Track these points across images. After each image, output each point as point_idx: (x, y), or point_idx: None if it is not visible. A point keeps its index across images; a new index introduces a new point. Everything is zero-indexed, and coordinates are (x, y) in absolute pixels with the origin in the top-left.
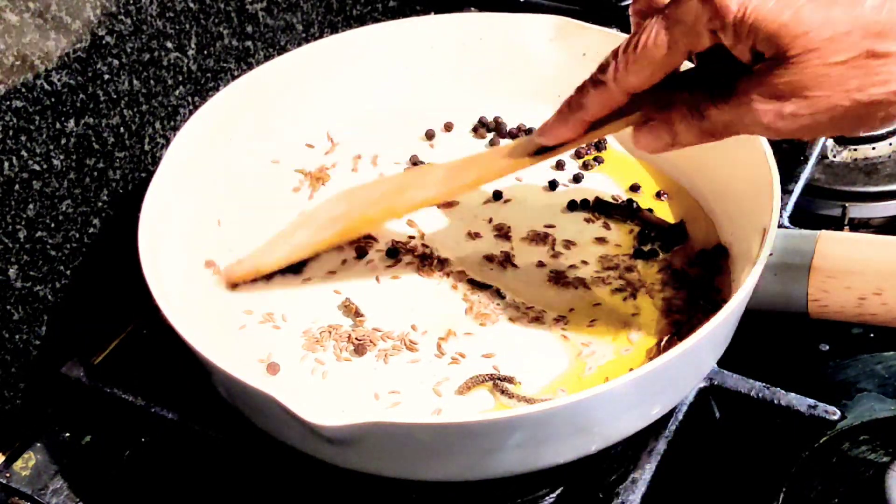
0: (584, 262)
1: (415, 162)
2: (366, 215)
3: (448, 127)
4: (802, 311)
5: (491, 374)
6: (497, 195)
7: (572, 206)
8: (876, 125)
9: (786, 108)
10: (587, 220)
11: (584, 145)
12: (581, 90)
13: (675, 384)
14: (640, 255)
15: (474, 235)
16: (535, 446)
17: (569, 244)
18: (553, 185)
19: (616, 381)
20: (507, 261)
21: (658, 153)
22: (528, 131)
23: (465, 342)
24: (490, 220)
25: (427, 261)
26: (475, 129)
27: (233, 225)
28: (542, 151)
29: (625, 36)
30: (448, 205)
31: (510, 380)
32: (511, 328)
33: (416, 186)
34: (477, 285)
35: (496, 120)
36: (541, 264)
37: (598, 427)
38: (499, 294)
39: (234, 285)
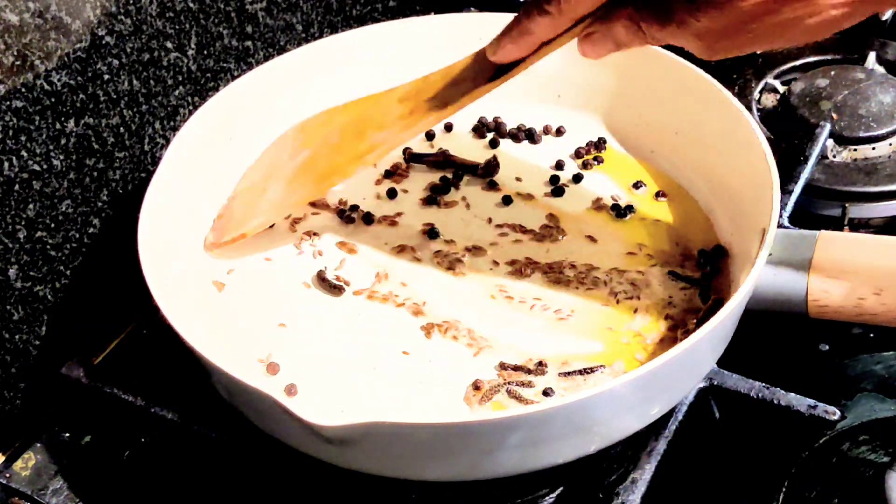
0: (585, 263)
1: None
2: (334, 165)
3: (448, 127)
4: (802, 311)
5: (506, 381)
6: (507, 199)
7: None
8: (797, 37)
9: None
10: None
11: (583, 145)
12: (528, 14)
13: (674, 384)
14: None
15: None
16: (535, 446)
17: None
18: (555, 183)
19: (615, 381)
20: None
21: (601, 58)
22: (529, 131)
23: (465, 338)
24: (490, 220)
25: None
26: (475, 130)
27: None
28: (498, 74)
29: None
30: (448, 204)
31: (527, 384)
32: (509, 326)
33: (376, 125)
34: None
35: (496, 120)
36: (539, 263)
37: (598, 427)
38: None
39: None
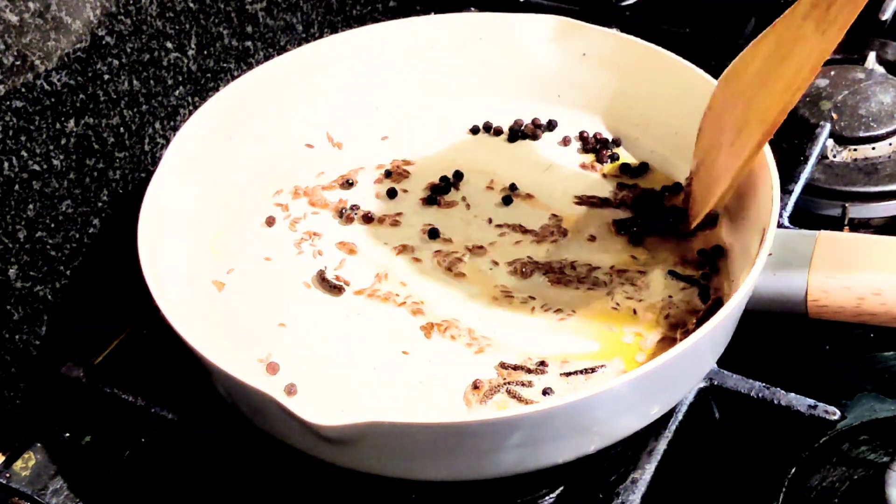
0: (585, 263)
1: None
2: (770, 119)
3: (448, 127)
4: (802, 312)
5: (506, 380)
6: (507, 199)
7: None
8: None
9: None
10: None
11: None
12: None
13: (674, 384)
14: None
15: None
16: (535, 446)
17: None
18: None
19: (615, 381)
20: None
21: None
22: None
23: (465, 337)
24: (490, 220)
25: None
26: (474, 131)
27: (233, 224)
28: None
29: (625, 36)
30: (448, 204)
31: (527, 383)
32: (509, 326)
33: (787, 56)
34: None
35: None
36: (539, 263)
37: (598, 427)
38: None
39: None
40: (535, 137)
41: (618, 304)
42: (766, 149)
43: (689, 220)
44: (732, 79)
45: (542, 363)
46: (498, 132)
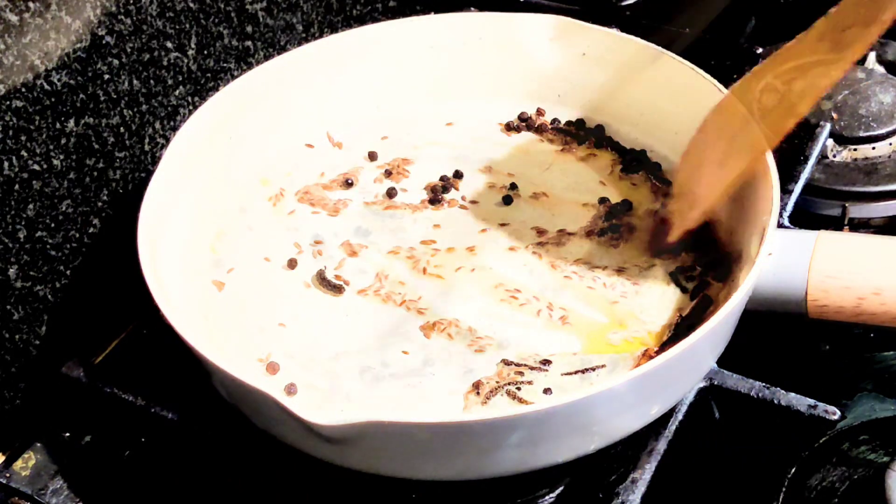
0: (586, 262)
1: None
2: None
3: (449, 127)
4: (801, 312)
5: (506, 380)
6: (507, 199)
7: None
8: None
9: None
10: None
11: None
12: None
13: (674, 384)
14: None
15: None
16: (534, 446)
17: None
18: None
19: (614, 380)
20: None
21: None
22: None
23: (465, 337)
24: (490, 220)
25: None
26: (475, 131)
27: (233, 224)
28: None
29: (625, 36)
30: (448, 203)
31: (527, 383)
32: (509, 326)
33: (795, 75)
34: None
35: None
36: (540, 262)
37: (597, 427)
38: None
39: None
40: (540, 130)
41: (618, 304)
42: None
43: (665, 239)
44: (731, 103)
45: (542, 363)
46: (499, 131)
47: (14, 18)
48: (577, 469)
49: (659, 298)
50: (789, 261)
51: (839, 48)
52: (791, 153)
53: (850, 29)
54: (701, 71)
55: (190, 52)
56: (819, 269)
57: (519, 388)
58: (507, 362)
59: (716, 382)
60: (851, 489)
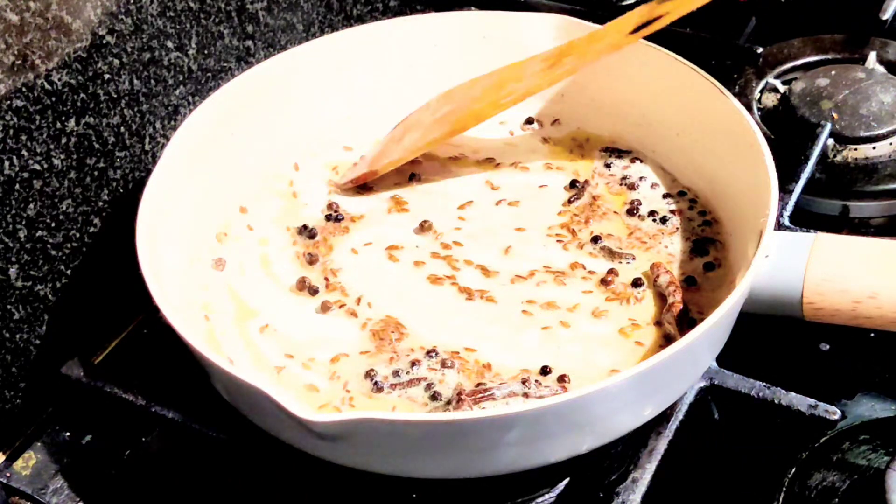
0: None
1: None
2: (472, 110)
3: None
4: (797, 314)
5: (502, 381)
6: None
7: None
8: None
9: None
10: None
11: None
12: None
13: (671, 384)
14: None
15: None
16: (530, 444)
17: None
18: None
19: (612, 379)
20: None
21: None
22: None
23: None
24: (489, 220)
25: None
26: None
27: (233, 223)
28: (638, 29)
29: None
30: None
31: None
32: (509, 326)
33: (514, 79)
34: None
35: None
36: (539, 265)
37: (595, 425)
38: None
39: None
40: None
41: (617, 304)
42: (766, 150)
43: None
44: (455, 90)
45: (543, 367)
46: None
47: (14, 18)
48: (577, 469)
49: (659, 297)
50: (785, 263)
51: (554, 67)
52: (791, 153)
53: (571, 57)
54: (701, 71)
55: (190, 52)
56: (815, 272)
57: (514, 388)
58: (501, 366)
59: (716, 382)
60: (851, 489)
